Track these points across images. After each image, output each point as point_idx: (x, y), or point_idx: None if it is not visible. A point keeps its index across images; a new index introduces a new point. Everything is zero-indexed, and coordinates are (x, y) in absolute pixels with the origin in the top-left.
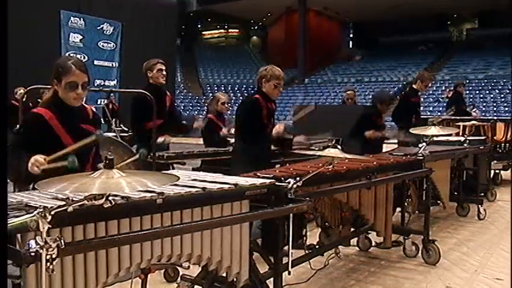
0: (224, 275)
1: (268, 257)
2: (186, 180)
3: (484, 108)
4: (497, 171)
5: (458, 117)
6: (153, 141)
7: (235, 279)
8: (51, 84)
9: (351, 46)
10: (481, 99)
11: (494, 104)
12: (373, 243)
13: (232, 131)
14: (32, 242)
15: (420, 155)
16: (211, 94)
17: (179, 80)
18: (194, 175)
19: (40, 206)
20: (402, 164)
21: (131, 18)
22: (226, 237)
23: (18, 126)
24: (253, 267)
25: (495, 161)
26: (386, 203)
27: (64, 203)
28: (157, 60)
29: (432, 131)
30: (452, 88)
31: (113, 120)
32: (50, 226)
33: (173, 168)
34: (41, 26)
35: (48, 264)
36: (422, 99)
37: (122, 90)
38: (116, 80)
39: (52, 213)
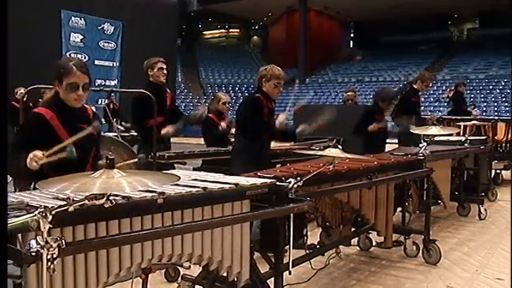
0: (225, 274)
1: (269, 257)
2: (187, 180)
3: (484, 108)
4: (498, 171)
5: (459, 117)
6: (154, 139)
7: (236, 279)
8: (53, 84)
9: (351, 46)
10: (482, 99)
11: (495, 104)
12: (374, 243)
13: (232, 125)
14: (33, 242)
15: (421, 154)
16: (212, 94)
17: (180, 80)
18: (195, 175)
19: (41, 205)
20: (403, 164)
21: (132, 18)
22: (227, 237)
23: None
24: (254, 267)
25: (496, 161)
26: (386, 203)
27: (64, 202)
28: (158, 58)
29: (433, 130)
30: (452, 88)
31: (114, 120)
32: (51, 226)
33: (174, 168)
34: (41, 25)
35: (49, 264)
36: (422, 99)
37: (123, 90)
38: (116, 80)
39: (53, 213)
